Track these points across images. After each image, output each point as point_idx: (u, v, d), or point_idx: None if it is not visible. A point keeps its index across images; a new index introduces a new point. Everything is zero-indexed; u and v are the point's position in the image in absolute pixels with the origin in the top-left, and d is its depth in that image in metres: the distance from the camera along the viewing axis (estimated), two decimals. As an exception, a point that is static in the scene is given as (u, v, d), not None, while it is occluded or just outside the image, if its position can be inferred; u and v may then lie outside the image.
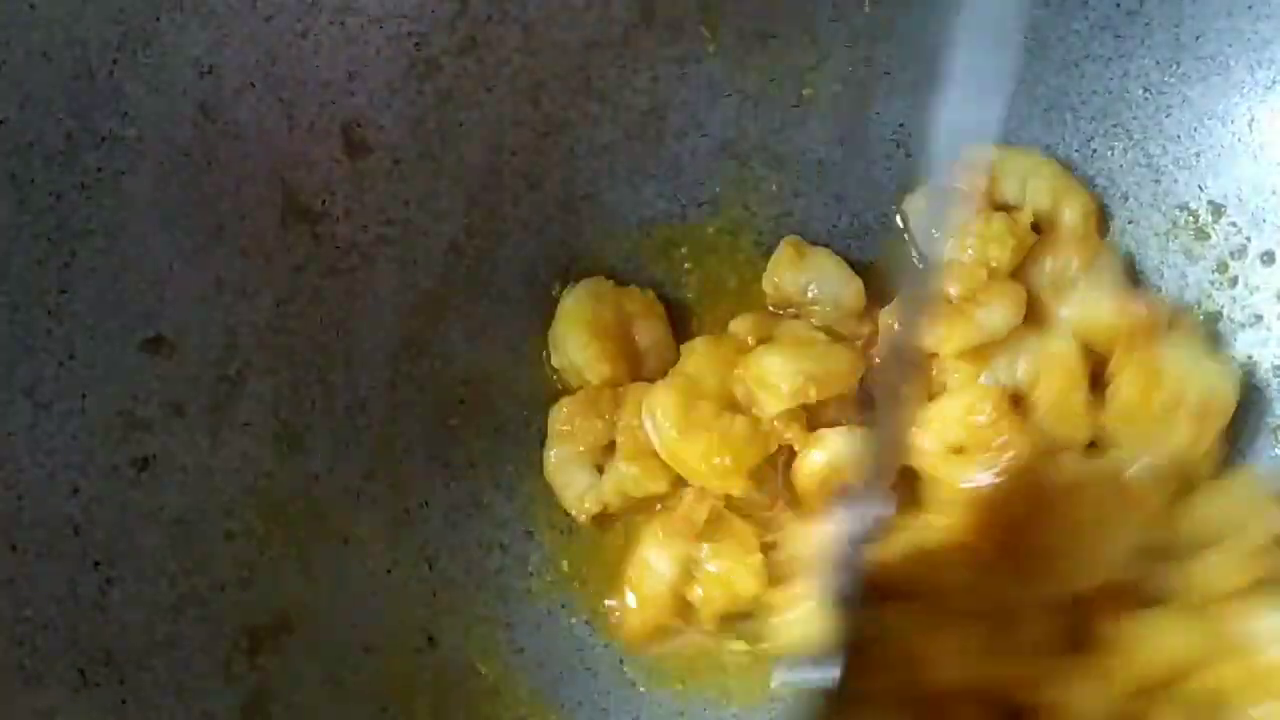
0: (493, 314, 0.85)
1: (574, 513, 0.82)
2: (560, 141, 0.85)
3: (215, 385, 0.75)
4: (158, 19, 0.72)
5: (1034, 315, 0.82)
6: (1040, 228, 0.85)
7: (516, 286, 0.85)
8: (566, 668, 0.81)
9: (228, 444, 0.75)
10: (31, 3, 0.68)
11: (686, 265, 0.87)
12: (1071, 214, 0.85)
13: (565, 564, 0.83)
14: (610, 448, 0.82)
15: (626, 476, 0.81)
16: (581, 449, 0.82)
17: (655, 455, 0.79)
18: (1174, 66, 0.83)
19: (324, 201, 0.80)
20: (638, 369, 0.84)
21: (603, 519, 0.83)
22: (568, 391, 0.84)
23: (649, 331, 0.84)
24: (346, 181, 0.80)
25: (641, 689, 0.81)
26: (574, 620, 0.82)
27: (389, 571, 0.79)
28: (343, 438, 0.80)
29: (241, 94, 0.76)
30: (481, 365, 0.84)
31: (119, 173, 0.72)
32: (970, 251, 0.81)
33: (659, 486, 0.81)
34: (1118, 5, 0.83)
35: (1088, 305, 0.82)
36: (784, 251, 0.85)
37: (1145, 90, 0.84)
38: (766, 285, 0.85)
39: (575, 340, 0.82)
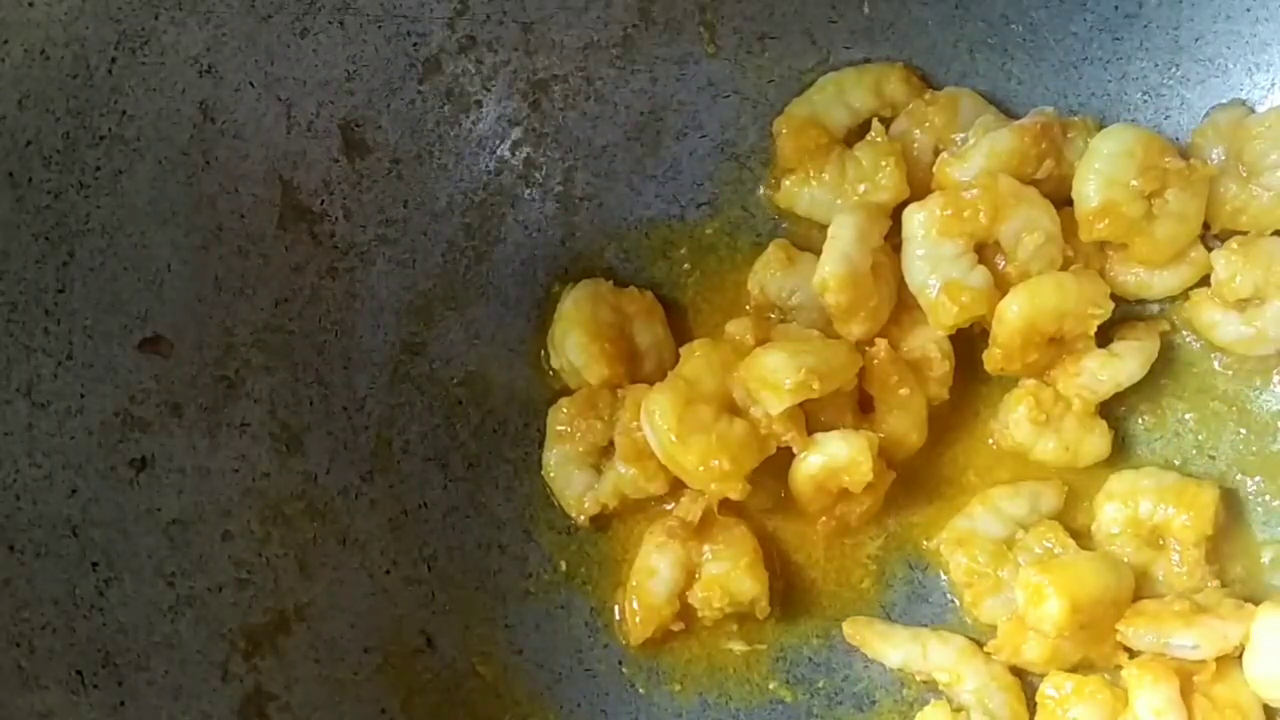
0: (491, 314, 0.84)
1: (572, 513, 0.82)
2: (559, 141, 0.85)
3: (213, 385, 0.75)
4: (156, 18, 0.72)
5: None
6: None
7: (515, 287, 0.85)
8: (565, 668, 0.81)
9: (226, 444, 0.75)
10: (30, 1, 0.68)
11: (685, 266, 0.87)
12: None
13: (564, 564, 0.83)
14: (609, 449, 0.82)
15: (625, 478, 0.81)
16: (580, 450, 0.82)
17: (654, 456, 0.79)
18: (1173, 69, 0.83)
19: (322, 201, 0.80)
20: (636, 369, 0.83)
21: (601, 520, 0.83)
22: (566, 392, 0.84)
23: (648, 332, 0.84)
24: (345, 181, 0.80)
25: (640, 690, 0.81)
26: (572, 621, 0.82)
27: (388, 572, 0.79)
28: (341, 438, 0.79)
29: (240, 93, 0.76)
30: (480, 366, 0.84)
31: (117, 172, 0.72)
32: None
33: (657, 488, 0.81)
34: (1116, 8, 0.83)
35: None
36: (772, 254, 0.84)
37: (1144, 93, 0.84)
38: (752, 286, 0.84)
39: (574, 341, 0.82)
